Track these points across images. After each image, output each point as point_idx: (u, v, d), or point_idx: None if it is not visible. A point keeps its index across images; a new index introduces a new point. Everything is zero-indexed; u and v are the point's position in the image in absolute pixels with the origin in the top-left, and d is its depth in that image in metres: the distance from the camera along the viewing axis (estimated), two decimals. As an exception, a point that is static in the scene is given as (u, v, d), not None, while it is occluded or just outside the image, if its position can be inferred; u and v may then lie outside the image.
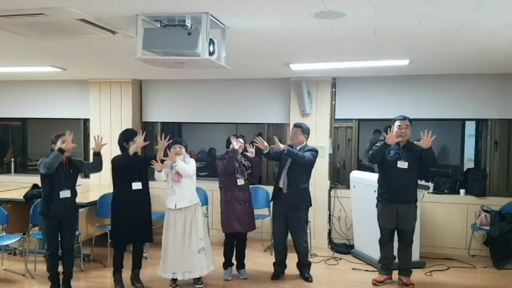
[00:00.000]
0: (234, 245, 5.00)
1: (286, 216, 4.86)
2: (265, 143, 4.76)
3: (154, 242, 5.91)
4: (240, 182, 4.84)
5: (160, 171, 4.46)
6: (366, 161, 7.60)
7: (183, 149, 4.62)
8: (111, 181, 4.57)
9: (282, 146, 4.72)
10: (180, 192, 4.53)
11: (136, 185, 4.47)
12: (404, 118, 4.68)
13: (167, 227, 4.57)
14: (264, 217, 5.91)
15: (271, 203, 5.20)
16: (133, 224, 4.46)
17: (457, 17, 3.14)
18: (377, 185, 4.86)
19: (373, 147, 4.83)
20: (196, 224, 4.57)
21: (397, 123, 4.68)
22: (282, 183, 4.83)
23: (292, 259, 5.04)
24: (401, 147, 4.65)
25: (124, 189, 4.47)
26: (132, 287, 4.64)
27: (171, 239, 4.51)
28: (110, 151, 4.63)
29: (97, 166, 4.41)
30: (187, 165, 4.56)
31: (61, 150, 4.10)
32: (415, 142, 4.60)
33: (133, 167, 4.45)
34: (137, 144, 4.44)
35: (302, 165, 4.79)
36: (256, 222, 5.07)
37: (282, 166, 4.93)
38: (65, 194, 4.26)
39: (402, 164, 4.58)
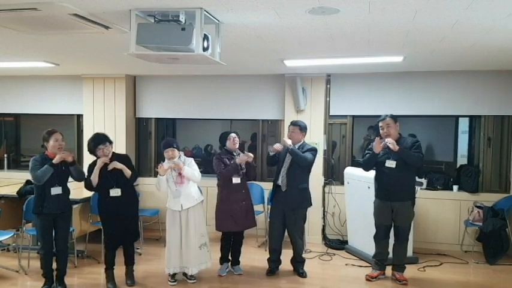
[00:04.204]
0: (230, 241, 4.99)
1: (284, 215, 4.84)
2: (279, 146, 4.81)
3: (149, 238, 5.93)
4: (236, 180, 4.80)
5: (163, 175, 4.49)
6: (360, 157, 7.64)
7: (176, 151, 4.60)
8: None
9: (289, 142, 4.76)
10: (186, 193, 4.59)
11: (115, 192, 4.36)
12: (383, 118, 4.66)
13: (170, 227, 4.58)
14: (258, 213, 5.91)
15: (270, 203, 5.15)
16: (119, 227, 4.42)
17: (451, 14, 3.15)
18: (372, 182, 4.87)
19: (366, 153, 4.82)
20: (199, 219, 4.65)
21: (379, 124, 4.69)
22: (281, 181, 4.80)
23: (286, 255, 5.05)
24: None
25: (104, 195, 4.41)
26: (123, 284, 4.61)
27: (176, 236, 4.55)
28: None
29: (75, 176, 4.34)
30: (191, 168, 4.61)
31: (52, 165, 4.12)
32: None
33: (109, 173, 4.33)
34: (102, 159, 4.33)
35: (302, 165, 4.81)
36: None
37: (280, 164, 4.89)
38: (56, 190, 4.23)
39: (390, 163, 4.58)
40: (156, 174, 6.92)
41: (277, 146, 4.85)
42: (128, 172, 4.42)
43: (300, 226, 4.92)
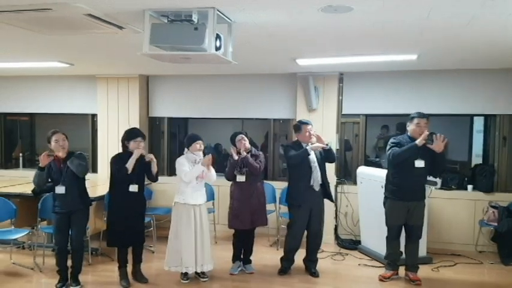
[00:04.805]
0: (243, 239, 4.99)
1: (310, 213, 4.84)
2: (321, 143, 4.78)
3: (161, 236, 5.96)
4: (240, 178, 4.80)
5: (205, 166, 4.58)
6: (373, 156, 7.59)
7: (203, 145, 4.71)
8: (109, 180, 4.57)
9: (325, 142, 4.80)
10: (203, 188, 4.72)
11: (133, 187, 4.42)
12: (423, 116, 4.60)
13: (183, 224, 4.55)
14: (270, 212, 5.90)
15: (288, 203, 5.04)
16: (128, 228, 4.45)
17: (466, 11, 3.11)
18: (384, 181, 4.81)
19: (391, 144, 4.63)
20: (205, 218, 4.70)
21: (415, 121, 4.59)
22: (314, 181, 4.76)
23: (298, 254, 5.03)
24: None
25: (121, 190, 4.45)
26: (136, 282, 4.64)
27: (191, 233, 4.54)
28: (118, 147, 4.64)
29: (74, 170, 4.30)
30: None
31: (40, 168, 4.21)
32: (428, 145, 4.43)
33: (132, 169, 4.38)
34: (139, 150, 4.40)
35: (326, 162, 4.91)
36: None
37: (303, 167, 4.75)
38: (59, 190, 4.29)
39: (419, 163, 4.49)
40: (170, 173, 7.02)
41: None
42: (155, 168, 4.52)
43: (323, 221, 4.99)
